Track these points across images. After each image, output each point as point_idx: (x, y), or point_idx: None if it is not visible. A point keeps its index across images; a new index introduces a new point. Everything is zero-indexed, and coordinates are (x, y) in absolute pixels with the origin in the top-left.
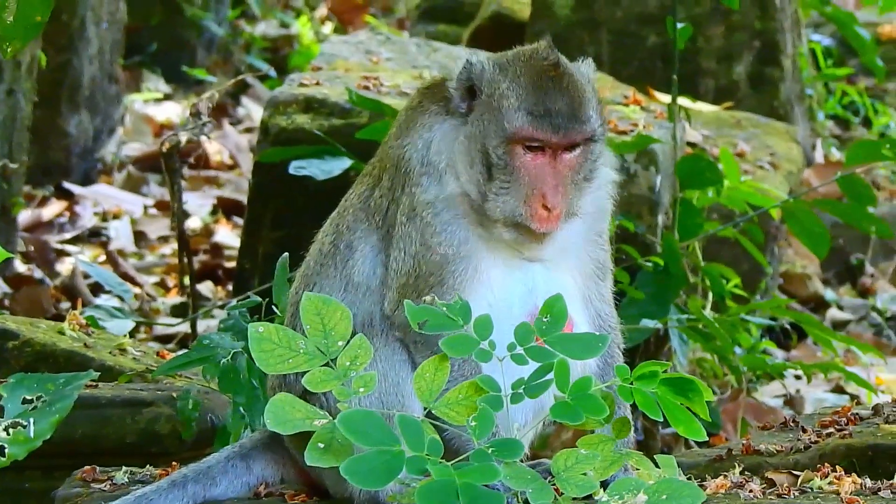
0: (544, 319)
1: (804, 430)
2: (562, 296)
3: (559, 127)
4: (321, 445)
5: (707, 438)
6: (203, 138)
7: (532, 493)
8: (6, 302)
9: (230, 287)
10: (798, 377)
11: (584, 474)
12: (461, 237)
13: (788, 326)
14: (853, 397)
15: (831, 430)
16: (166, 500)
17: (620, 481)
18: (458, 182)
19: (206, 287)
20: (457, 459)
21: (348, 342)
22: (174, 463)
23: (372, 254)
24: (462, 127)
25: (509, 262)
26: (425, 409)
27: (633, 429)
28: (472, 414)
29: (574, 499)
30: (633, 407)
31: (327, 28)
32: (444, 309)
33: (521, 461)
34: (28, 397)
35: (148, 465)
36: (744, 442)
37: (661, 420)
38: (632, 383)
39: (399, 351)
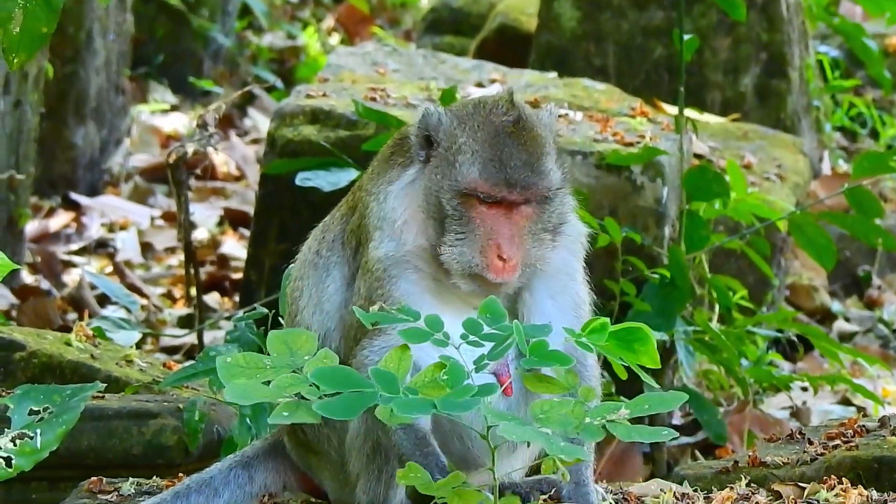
0: (486, 317)
1: (810, 443)
2: (496, 299)
3: (515, 183)
4: (286, 413)
5: (656, 387)
6: (210, 149)
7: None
8: (13, 313)
9: (237, 298)
10: (804, 389)
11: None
12: (404, 290)
13: (795, 338)
14: (860, 409)
15: (838, 442)
16: None
17: (601, 406)
18: (414, 235)
19: (212, 298)
20: None
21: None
22: (180, 474)
23: (343, 285)
24: (420, 177)
25: (463, 315)
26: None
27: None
28: (439, 391)
29: None
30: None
31: (334, 39)
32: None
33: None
34: (35, 408)
35: (154, 477)
36: (750, 454)
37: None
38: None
39: None
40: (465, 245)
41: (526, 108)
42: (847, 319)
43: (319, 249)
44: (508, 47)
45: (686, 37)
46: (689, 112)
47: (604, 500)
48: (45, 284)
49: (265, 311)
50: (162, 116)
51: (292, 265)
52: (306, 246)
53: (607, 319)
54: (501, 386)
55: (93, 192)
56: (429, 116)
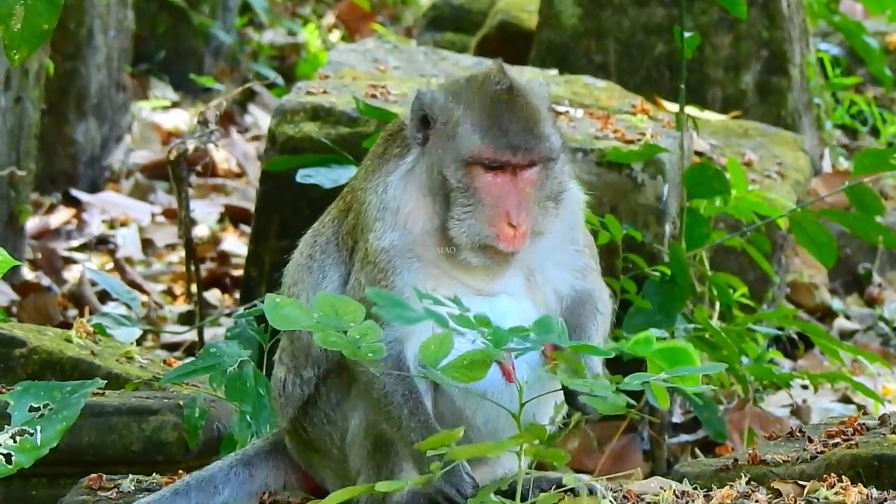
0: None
1: (810, 440)
2: (550, 317)
3: (518, 146)
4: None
5: (668, 406)
6: (210, 146)
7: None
8: (13, 309)
9: (237, 295)
10: (805, 387)
11: None
12: (407, 279)
13: (795, 336)
14: (860, 407)
15: (838, 440)
16: None
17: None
18: (417, 222)
19: (213, 295)
20: None
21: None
22: (180, 471)
23: (340, 283)
24: (421, 161)
25: (469, 300)
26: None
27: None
28: (476, 375)
29: None
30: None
31: (335, 36)
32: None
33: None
34: (35, 405)
35: (154, 473)
36: (750, 452)
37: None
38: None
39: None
40: (474, 216)
41: (516, 78)
42: (847, 317)
43: (312, 254)
44: (509, 44)
45: (687, 34)
46: (690, 109)
47: (604, 497)
48: (45, 281)
49: None
50: (163, 113)
51: (285, 271)
52: (298, 252)
53: (653, 336)
54: (505, 374)
55: (93, 188)
56: (423, 95)
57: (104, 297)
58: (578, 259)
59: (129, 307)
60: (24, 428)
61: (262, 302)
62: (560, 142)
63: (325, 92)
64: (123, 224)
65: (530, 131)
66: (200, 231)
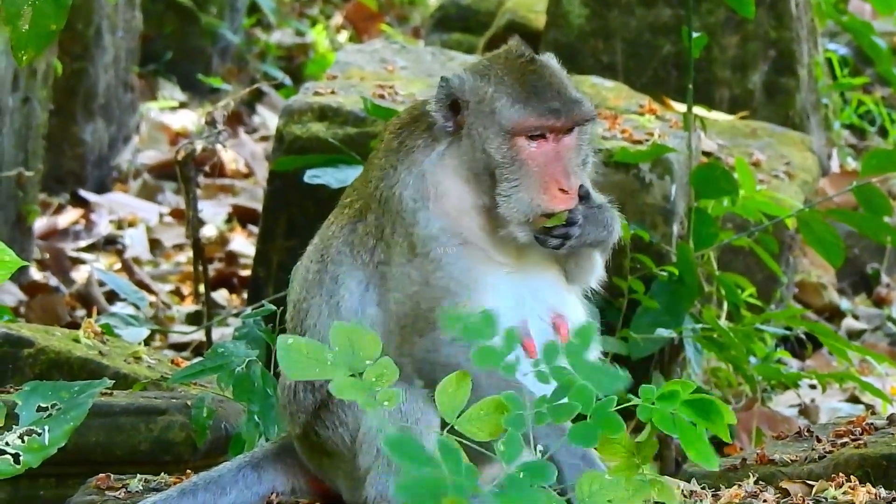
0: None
1: (819, 440)
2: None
3: (559, 111)
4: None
5: (717, 468)
6: (218, 146)
7: None
8: (21, 309)
9: (245, 295)
10: (813, 387)
11: (609, 501)
12: (462, 266)
13: (803, 336)
14: (868, 407)
15: (846, 439)
16: None
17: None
18: (459, 207)
19: (220, 295)
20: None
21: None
22: (188, 471)
23: (358, 290)
24: (453, 146)
25: (503, 282)
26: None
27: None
28: (494, 430)
29: None
30: None
31: (342, 37)
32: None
33: None
34: (43, 405)
35: (162, 473)
36: (758, 451)
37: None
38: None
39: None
40: (523, 189)
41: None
42: (856, 317)
43: (321, 267)
44: None
45: (694, 34)
46: (698, 109)
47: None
48: (53, 281)
49: (273, 308)
50: (170, 113)
51: (291, 289)
52: (303, 268)
53: (679, 388)
54: (528, 350)
55: (101, 188)
56: (450, 81)
57: (112, 297)
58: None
59: (136, 307)
60: (32, 428)
61: (270, 302)
62: (592, 104)
63: (332, 92)
64: (131, 224)
65: (566, 95)
66: (208, 231)
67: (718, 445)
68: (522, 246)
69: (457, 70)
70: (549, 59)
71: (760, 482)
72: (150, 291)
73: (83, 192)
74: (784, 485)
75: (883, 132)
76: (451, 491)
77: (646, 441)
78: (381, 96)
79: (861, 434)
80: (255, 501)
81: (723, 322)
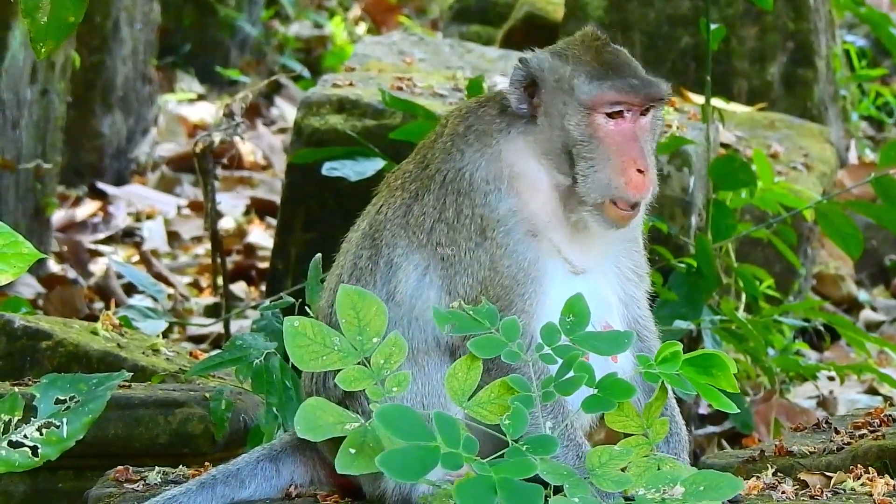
0: (568, 319)
1: (837, 432)
2: (582, 296)
3: (638, 87)
4: (352, 451)
5: (738, 410)
6: (236, 139)
7: (569, 487)
8: (40, 302)
9: (263, 287)
10: (831, 378)
11: (621, 470)
12: (531, 258)
13: (821, 328)
14: (886, 398)
15: (864, 431)
16: (195, 503)
17: (657, 474)
18: (533, 190)
19: (239, 287)
20: (492, 457)
21: (383, 339)
22: (206, 463)
23: (416, 273)
24: (528, 127)
25: (564, 279)
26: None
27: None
28: (505, 413)
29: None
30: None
31: (361, 29)
32: (472, 313)
33: None
34: (61, 397)
35: (181, 466)
36: (776, 443)
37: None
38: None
39: (442, 368)
40: (600, 170)
41: None
42: (874, 309)
43: (374, 253)
44: (535, 36)
45: (713, 26)
46: (716, 101)
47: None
48: (71, 273)
49: (292, 300)
50: (189, 106)
51: (328, 285)
52: (352, 255)
53: (679, 348)
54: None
55: (119, 181)
56: (528, 61)
57: (130, 289)
58: (636, 254)
59: (155, 299)
60: (50, 420)
61: (289, 294)
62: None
63: (350, 84)
64: (149, 216)
65: (643, 74)
66: (226, 223)
67: (737, 437)
68: (586, 241)
69: (536, 52)
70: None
71: (779, 474)
72: (169, 284)
73: (101, 185)
74: (802, 476)
75: None
76: (442, 462)
77: (655, 406)
78: (400, 88)
79: (879, 425)
80: (275, 494)
81: (741, 314)
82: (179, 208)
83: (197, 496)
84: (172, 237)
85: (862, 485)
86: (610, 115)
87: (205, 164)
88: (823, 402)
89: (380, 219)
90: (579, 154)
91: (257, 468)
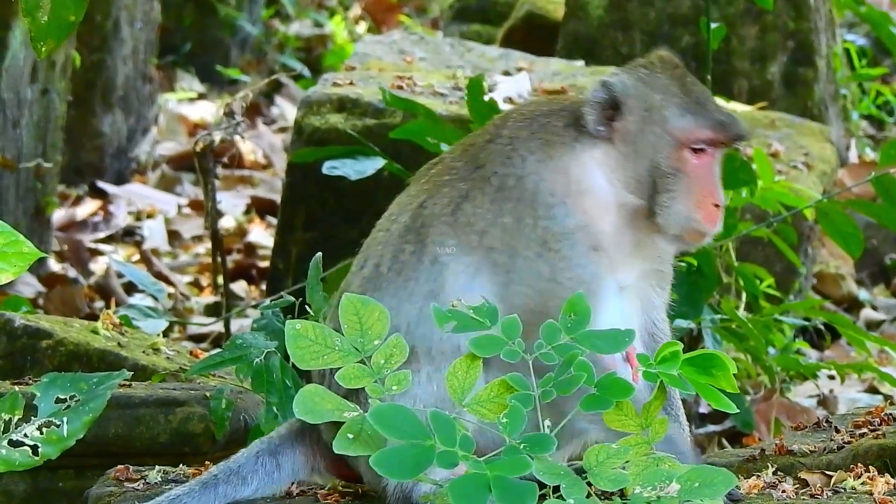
0: (569, 318)
1: (837, 431)
2: (584, 295)
3: (729, 126)
4: (350, 436)
5: (737, 410)
6: (237, 138)
7: (565, 487)
8: (40, 301)
9: (264, 286)
10: (831, 377)
11: (619, 469)
12: (593, 272)
13: (822, 327)
14: (887, 397)
15: (864, 430)
16: (198, 503)
17: (652, 472)
18: (600, 209)
19: (239, 286)
20: (488, 455)
21: (384, 341)
22: (207, 462)
23: (466, 275)
24: (599, 147)
25: (615, 294)
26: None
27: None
28: (503, 411)
29: (606, 496)
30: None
31: (361, 28)
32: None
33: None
34: (61, 397)
35: (181, 465)
36: (777, 442)
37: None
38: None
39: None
40: (681, 202)
41: None
42: (874, 308)
43: (419, 249)
44: (535, 36)
45: (713, 25)
46: (717, 100)
47: None
48: (72, 272)
49: (292, 299)
50: (189, 105)
51: (367, 264)
52: (387, 253)
53: (679, 347)
54: (629, 360)
55: (120, 180)
56: (614, 85)
57: (130, 288)
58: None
59: (155, 299)
60: (50, 419)
61: (289, 293)
62: None
63: (351, 83)
64: (150, 216)
65: (727, 111)
66: (227, 222)
67: (737, 436)
68: (637, 258)
69: (620, 76)
70: None
71: (779, 473)
72: (169, 283)
73: (102, 184)
74: (803, 475)
75: None
76: (438, 461)
77: (653, 406)
78: (400, 87)
79: (880, 424)
80: (277, 488)
81: (742, 313)
82: (180, 207)
83: (200, 496)
84: (173, 236)
85: (862, 484)
86: (695, 150)
87: (205, 163)
88: (824, 401)
89: (425, 214)
90: (663, 185)
91: (258, 464)
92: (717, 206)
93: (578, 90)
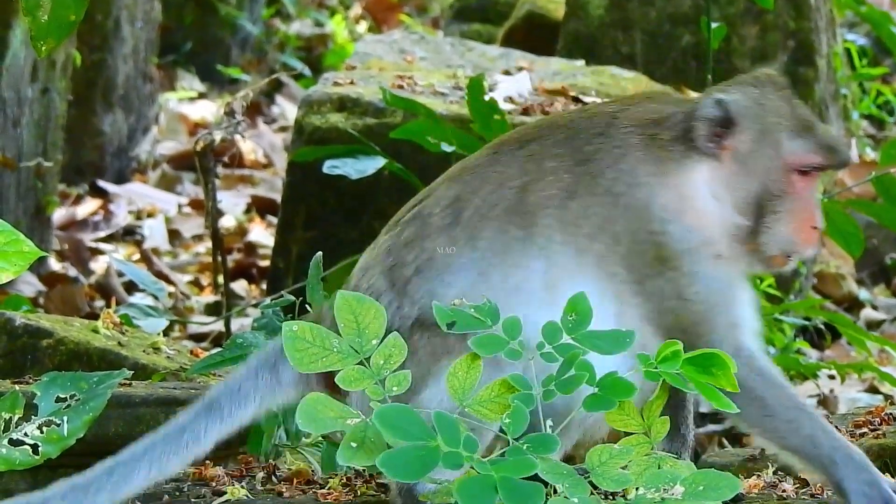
0: (570, 317)
1: (837, 430)
2: (585, 294)
3: (838, 152)
4: (353, 444)
5: (738, 410)
6: (237, 137)
7: (568, 487)
8: (41, 300)
9: (264, 286)
10: (832, 377)
11: (621, 469)
12: (723, 279)
13: (822, 326)
14: (887, 397)
15: (865, 430)
16: (205, 427)
17: (656, 473)
18: (709, 227)
19: (239, 286)
20: (492, 455)
21: (382, 340)
22: (207, 462)
23: (576, 266)
24: (707, 164)
25: (749, 294)
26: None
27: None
28: (505, 412)
29: (609, 497)
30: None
31: (362, 27)
32: (473, 310)
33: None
34: (62, 396)
35: None
36: None
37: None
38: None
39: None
40: (784, 224)
41: None
42: (874, 307)
43: (526, 236)
44: (536, 35)
45: (714, 24)
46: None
47: None
48: (72, 272)
49: (292, 298)
50: (189, 104)
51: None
52: (489, 228)
53: (680, 346)
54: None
55: (120, 179)
56: (730, 104)
57: (131, 287)
58: None
59: (155, 298)
60: (50, 419)
61: (290, 293)
62: None
63: (351, 83)
64: (150, 215)
65: (831, 134)
66: (227, 222)
67: (738, 436)
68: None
69: (733, 94)
70: None
71: (779, 472)
72: (169, 282)
73: (102, 183)
74: (803, 475)
75: None
76: (443, 462)
77: (655, 406)
78: (401, 87)
79: (880, 424)
80: (278, 401)
81: None
82: (180, 206)
83: (207, 418)
84: (173, 235)
85: None
86: (802, 173)
87: (206, 162)
88: (824, 401)
89: (533, 200)
90: (771, 207)
91: (259, 380)
92: (815, 228)
93: (580, 90)
